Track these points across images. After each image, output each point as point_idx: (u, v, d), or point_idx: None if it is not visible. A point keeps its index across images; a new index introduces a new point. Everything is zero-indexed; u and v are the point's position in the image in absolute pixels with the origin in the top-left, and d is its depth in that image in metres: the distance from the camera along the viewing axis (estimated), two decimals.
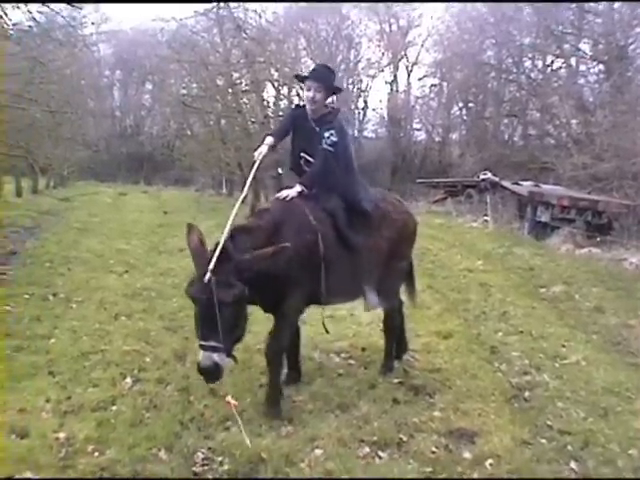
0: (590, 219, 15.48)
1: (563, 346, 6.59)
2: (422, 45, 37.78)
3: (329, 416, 4.48)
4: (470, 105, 36.03)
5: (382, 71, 38.30)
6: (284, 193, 4.87)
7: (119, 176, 33.60)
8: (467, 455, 4.00)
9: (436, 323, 7.14)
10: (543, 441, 4.30)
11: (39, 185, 21.06)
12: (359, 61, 38.37)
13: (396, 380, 5.20)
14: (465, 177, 24.48)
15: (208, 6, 18.76)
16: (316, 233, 4.68)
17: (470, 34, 32.85)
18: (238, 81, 20.88)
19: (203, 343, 3.99)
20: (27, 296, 7.38)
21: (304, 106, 5.23)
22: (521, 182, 18.87)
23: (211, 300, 3.93)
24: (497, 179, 19.79)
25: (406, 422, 4.41)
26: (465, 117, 36.45)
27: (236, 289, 4.03)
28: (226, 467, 3.78)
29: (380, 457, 3.94)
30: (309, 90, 5.05)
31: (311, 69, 5.42)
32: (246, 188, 4.92)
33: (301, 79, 5.39)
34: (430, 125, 37.70)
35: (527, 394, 5.18)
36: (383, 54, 37.93)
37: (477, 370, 5.63)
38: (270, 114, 21.88)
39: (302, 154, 5.14)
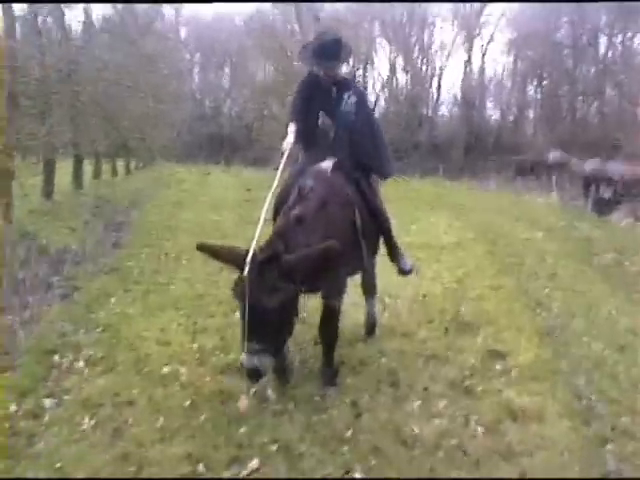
0: None
1: (601, 300, 7.55)
2: (496, 25, 38.22)
3: (394, 338, 5.84)
4: (544, 83, 36.43)
5: (456, 51, 38.96)
6: (323, 165, 4.84)
7: (200, 157, 35.29)
8: (498, 367, 5.25)
9: (490, 279, 8.28)
10: (562, 361, 5.53)
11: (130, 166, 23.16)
12: (433, 42, 39.14)
13: (448, 317, 6.52)
14: (533, 156, 25.29)
15: None
16: (353, 208, 4.73)
17: (544, 13, 33.20)
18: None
19: (248, 345, 3.87)
20: (143, 255, 9.01)
21: (315, 76, 5.14)
22: (588, 160, 19.63)
23: (258, 305, 3.81)
24: (565, 157, 20.62)
25: (454, 345, 5.73)
26: (539, 96, 36.91)
27: (283, 293, 3.89)
28: None
29: (432, 366, 5.26)
30: (320, 69, 5.01)
31: (318, 46, 4.98)
32: (276, 181, 4.54)
33: (310, 62, 5.14)
34: (504, 104, 38.32)
35: (557, 331, 6.34)
36: (457, 34, 38.61)
37: (519, 313, 6.78)
38: None
39: (320, 119, 5.08)
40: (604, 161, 18.99)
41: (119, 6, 14.65)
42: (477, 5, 37.89)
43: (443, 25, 39.46)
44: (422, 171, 30.58)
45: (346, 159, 4.99)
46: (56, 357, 5.06)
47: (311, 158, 5.00)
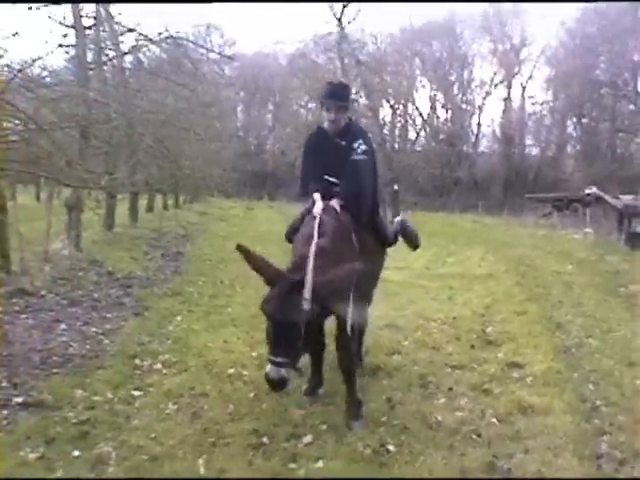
0: None
1: (619, 325, 8.24)
2: (535, 62, 39.12)
3: (426, 351, 6.77)
4: (583, 120, 37.11)
5: (495, 88, 39.88)
6: (332, 204, 5.13)
7: (244, 192, 36.60)
8: (514, 375, 6.11)
9: (516, 306, 9.10)
10: (573, 372, 6.36)
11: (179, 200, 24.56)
12: (472, 79, 40.16)
13: (475, 335, 7.41)
14: (572, 192, 26.03)
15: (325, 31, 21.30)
16: (356, 250, 5.04)
17: (582, 50, 34.00)
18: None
19: (272, 358, 4.23)
20: (201, 282, 10.09)
21: (321, 130, 5.53)
22: (621, 196, 20.28)
23: (284, 321, 4.21)
24: (601, 193, 21.31)
25: (478, 357, 6.62)
26: (578, 132, 37.60)
27: (309, 312, 4.21)
28: None
29: (457, 373, 6.15)
30: (330, 111, 5.30)
31: (329, 89, 5.40)
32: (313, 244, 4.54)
33: (322, 100, 5.46)
34: (543, 141, 39.05)
35: (573, 350, 7.16)
36: (495, 72, 39.59)
37: (539, 334, 7.61)
38: (386, 132, 24.17)
39: (326, 176, 5.36)
40: (638, 197, 19.63)
41: (164, 48, 15.64)
42: (516, 43, 38.94)
43: (482, 64, 40.40)
44: (462, 207, 31.43)
45: (354, 202, 5.25)
46: (137, 361, 6.08)
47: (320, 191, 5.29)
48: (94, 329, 6.98)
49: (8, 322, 6.87)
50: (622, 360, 6.73)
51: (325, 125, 5.46)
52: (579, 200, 23.24)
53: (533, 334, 7.62)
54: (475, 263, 13.33)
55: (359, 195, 5.27)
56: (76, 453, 4.12)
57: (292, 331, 4.22)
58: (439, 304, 9.12)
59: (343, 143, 5.31)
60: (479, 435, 4.72)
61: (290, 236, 5.47)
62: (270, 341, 4.34)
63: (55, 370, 5.64)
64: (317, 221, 4.80)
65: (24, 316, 7.18)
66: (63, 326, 6.97)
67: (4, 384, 5.20)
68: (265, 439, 4.46)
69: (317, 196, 5.21)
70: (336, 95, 5.34)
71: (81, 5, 11.51)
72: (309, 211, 5.22)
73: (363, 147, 5.29)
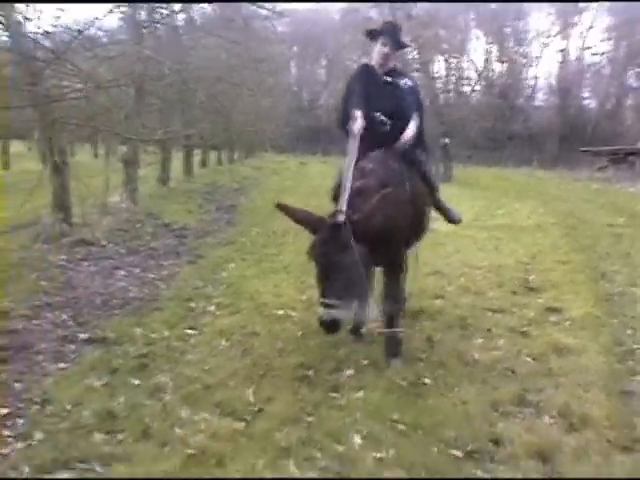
0: None
1: None
2: (595, 11, 38.23)
3: (468, 296, 7.05)
4: None
5: (553, 38, 39.11)
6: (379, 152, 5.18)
7: (298, 147, 36.88)
8: (553, 319, 6.33)
9: (561, 256, 9.27)
10: (613, 318, 6.55)
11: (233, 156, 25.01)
12: (528, 30, 39.47)
13: (517, 282, 7.64)
14: (628, 145, 25.68)
15: None
16: (406, 187, 5.11)
17: None
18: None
19: (323, 300, 4.35)
20: (254, 233, 10.49)
21: (367, 66, 5.54)
22: None
23: (331, 263, 4.34)
24: None
25: (519, 302, 6.85)
26: (638, 83, 36.82)
27: (352, 253, 4.32)
28: None
29: (497, 317, 6.40)
30: (384, 46, 5.35)
31: (388, 26, 5.51)
32: (349, 158, 4.76)
33: (374, 36, 5.47)
34: (602, 93, 38.31)
35: (616, 298, 7.29)
36: (553, 23, 38.81)
37: (582, 282, 7.78)
38: (440, 86, 24.10)
39: (377, 113, 5.30)
40: None
41: (217, 5, 15.79)
42: None
43: (539, 15, 39.61)
44: (516, 161, 31.22)
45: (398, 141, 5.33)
46: (192, 303, 6.50)
47: (365, 145, 5.08)
48: (151, 275, 7.47)
49: (71, 269, 7.39)
50: None
51: (373, 62, 5.48)
52: (636, 153, 22.96)
53: (576, 282, 7.79)
54: (524, 215, 13.45)
55: (412, 137, 5.34)
56: (136, 382, 4.51)
57: (340, 273, 4.33)
58: (485, 253, 9.35)
59: (389, 79, 5.40)
60: (513, 372, 4.97)
61: (337, 194, 4.97)
62: (319, 284, 4.46)
63: (116, 311, 6.12)
64: (356, 139, 4.83)
65: (86, 263, 7.71)
66: (122, 272, 7.49)
67: (70, 323, 5.69)
68: (310, 372, 4.79)
69: (357, 113, 4.98)
70: (394, 33, 5.44)
71: None
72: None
73: (410, 83, 5.45)
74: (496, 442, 3.88)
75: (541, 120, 37.39)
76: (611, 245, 10.55)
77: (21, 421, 3.93)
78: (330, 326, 4.37)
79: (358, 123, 4.93)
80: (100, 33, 11.59)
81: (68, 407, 4.09)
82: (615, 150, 25.16)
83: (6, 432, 3.78)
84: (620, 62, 37.92)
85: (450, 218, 6.31)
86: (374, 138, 5.20)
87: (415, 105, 5.50)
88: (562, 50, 38.71)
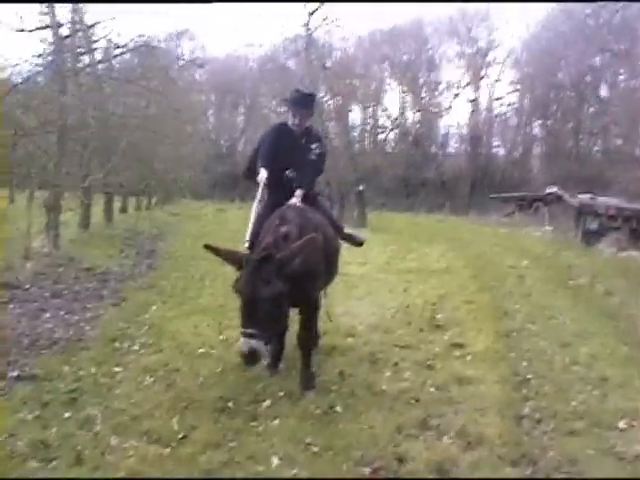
0: (635, 226, 17.67)
1: (561, 313, 8.86)
2: (502, 65, 39.96)
3: (377, 333, 7.53)
4: (549, 122, 38.06)
5: (463, 89, 40.60)
6: (293, 201, 5.77)
7: (215, 194, 37.03)
8: (456, 353, 6.82)
9: (467, 296, 9.77)
10: (511, 352, 7.08)
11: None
12: (440, 82, 40.94)
13: (424, 321, 8.15)
14: (534, 191, 26.92)
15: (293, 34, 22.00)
16: (319, 231, 5.49)
17: (546, 54, 34.92)
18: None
19: (244, 330, 4.69)
20: (174, 277, 10.82)
21: (285, 125, 6.19)
22: (579, 195, 21.14)
23: (254, 295, 4.69)
24: (561, 192, 22.20)
25: (425, 339, 7.37)
26: (543, 133, 38.57)
27: (276, 287, 4.72)
28: None
29: (405, 352, 6.88)
30: (295, 117, 6.05)
31: (296, 97, 6.12)
32: (256, 201, 5.72)
33: (289, 106, 6.22)
34: (509, 142, 39.97)
35: (514, 334, 7.76)
36: (463, 74, 40.42)
37: (485, 320, 8.25)
38: (355, 134, 24.93)
39: (287, 171, 6.01)
40: (595, 196, 20.48)
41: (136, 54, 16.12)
42: (483, 47, 39.81)
43: (450, 67, 41.16)
44: (429, 207, 32.20)
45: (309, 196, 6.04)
46: (117, 343, 6.81)
47: (277, 197, 5.90)
48: (76, 317, 7.74)
49: None
50: (557, 342, 7.41)
51: (289, 123, 6.10)
52: (541, 199, 24.06)
53: (479, 320, 8.33)
54: (434, 259, 14.09)
55: (312, 186, 6.13)
56: (67, 415, 4.82)
57: (261, 305, 4.67)
58: (395, 295, 9.89)
59: (303, 141, 6.02)
60: (417, 400, 5.44)
61: (254, 240, 5.50)
62: (242, 315, 4.77)
63: (44, 351, 6.39)
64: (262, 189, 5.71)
65: (11, 306, 7.93)
66: (48, 314, 7.74)
67: None
68: (230, 404, 5.17)
69: (263, 172, 5.78)
70: (302, 103, 6.06)
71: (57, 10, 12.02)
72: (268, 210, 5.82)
73: (319, 151, 6.04)
74: (400, 460, 4.34)
75: (453, 167, 38.61)
76: (514, 285, 11.16)
77: None
78: (249, 355, 4.66)
79: (262, 174, 5.75)
80: (19, 79, 11.74)
81: (1, 438, 4.35)
82: (522, 196, 26.27)
83: None
84: (526, 113, 39.67)
85: (355, 241, 6.97)
86: (284, 188, 5.90)
87: (317, 167, 6.22)
88: (473, 100, 40.11)
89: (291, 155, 5.95)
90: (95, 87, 14.28)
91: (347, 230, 6.97)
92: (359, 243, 7.05)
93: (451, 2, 36.84)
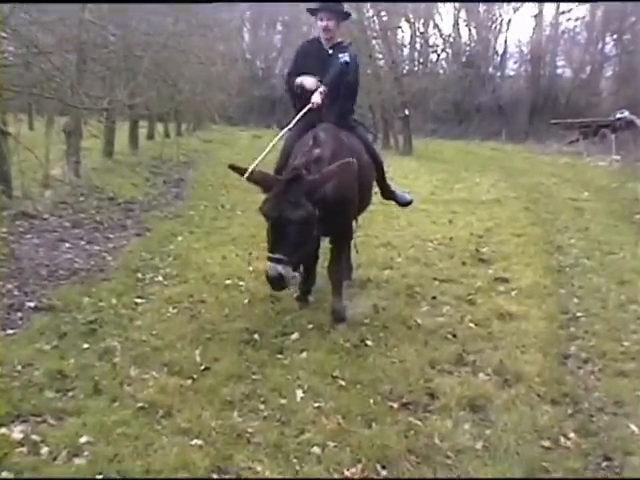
0: None
1: (621, 248, 8.90)
2: None
3: (417, 266, 7.69)
4: (624, 37, 36.65)
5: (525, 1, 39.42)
6: (314, 98, 5.62)
7: (251, 119, 37.00)
8: (500, 288, 6.94)
9: (517, 230, 9.90)
10: (561, 289, 7.15)
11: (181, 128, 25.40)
12: None
13: (468, 254, 8.28)
14: (601, 117, 26.37)
15: None
16: (354, 157, 5.41)
17: None
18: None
19: (271, 255, 4.87)
20: (202, 207, 11.03)
21: (315, 39, 6.19)
22: None
23: (281, 218, 4.84)
24: (632, 118, 21.76)
25: (468, 273, 7.50)
26: (617, 51, 37.32)
27: (304, 210, 4.84)
28: None
29: (444, 286, 7.03)
30: (322, 20, 5.90)
31: (320, 1, 5.99)
32: (293, 122, 5.76)
33: (313, 11, 6.03)
34: (576, 62, 38.82)
35: (567, 269, 7.91)
36: None
37: (534, 254, 8.39)
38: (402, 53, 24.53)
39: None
40: None
41: None
42: None
43: None
44: (483, 134, 31.84)
45: (340, 117, 5.99)
46: (139, 274, 7.02)
47: (308, 118, 5.74)
48: (97, 247, 7.99)
49: (14, 242, 7.84)
50: (613, 279, 7.47)
51: (320, 36, 6.05)
52: (608, 125, 23.64)
53: (528, 254, 8.44)
54: (484, 189, 14.14)
55: (338, 83, 5.85)
56: (85, 346, 5.02)
57: (290, 229, 4.84)
58: (438, 226, 10.02)
59: (330, 52, 5.93)
60: (454, 335, 5.58)
61: (285, 163, 5.77)
62: (269, 240, 4.97)
63: (62, 281, 6.61)
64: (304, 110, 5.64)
65: (29, 236, 8.16)
66: (67, 245, 7.99)
67: (15, 292, 6.16)
68: (256, 336, 5.35)
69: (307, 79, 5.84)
70: (331, 7, 5.95)
71: None
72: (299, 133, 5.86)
73: (346, 59, 5.82)
74: (431, 395, 4.49)
75: (511, 90, 37.89)
76: (571, 219, 11.22)
77: None
78: (276, 280, 4.86)
79: (309, 80, 5.79)
80: None
81: (19, 368, 4.58)
82: (587, 122, 25.76)
83: None
84: (597, 28, 38.35)
85: (399, 202, 7.01)
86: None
87: (343, 71, 5.90)
88: (535, 15, 39.03)
89: (321, 70, 5.83)
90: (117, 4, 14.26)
91: (392, 188, 6.90)
92: (405, 204, 7.09)
93: (451, 2, 35.68)
